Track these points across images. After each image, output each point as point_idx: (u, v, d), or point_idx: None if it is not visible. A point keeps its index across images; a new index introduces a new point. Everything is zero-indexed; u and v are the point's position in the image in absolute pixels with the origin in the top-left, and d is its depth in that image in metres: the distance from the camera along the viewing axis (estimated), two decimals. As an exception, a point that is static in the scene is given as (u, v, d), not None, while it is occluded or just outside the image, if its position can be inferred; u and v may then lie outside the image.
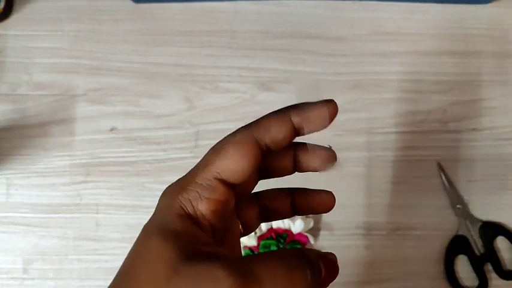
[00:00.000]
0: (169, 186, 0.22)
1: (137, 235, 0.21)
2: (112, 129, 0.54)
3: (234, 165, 0.21)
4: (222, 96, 0.55)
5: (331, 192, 0.26)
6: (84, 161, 0.54)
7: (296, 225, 0.50)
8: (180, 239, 0.19)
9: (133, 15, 0.56)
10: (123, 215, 0.53)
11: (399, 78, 0.55)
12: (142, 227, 0.21)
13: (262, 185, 0.27)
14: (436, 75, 0.56)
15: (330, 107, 0.22)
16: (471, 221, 0.52)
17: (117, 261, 0.53)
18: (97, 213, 0.53)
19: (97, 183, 0.53)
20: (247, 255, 0.19)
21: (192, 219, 0.21)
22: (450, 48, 0.56)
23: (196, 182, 0.21)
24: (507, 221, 0.53)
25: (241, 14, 0.57)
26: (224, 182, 0.21)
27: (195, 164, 0.23)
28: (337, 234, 0.53)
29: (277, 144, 0.23)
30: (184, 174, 0.23)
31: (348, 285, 0.52)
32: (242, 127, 0.22)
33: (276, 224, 0.51)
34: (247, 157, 0.22)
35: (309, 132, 0.23)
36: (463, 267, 0.52)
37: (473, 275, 0.51)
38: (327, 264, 0.20)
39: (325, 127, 0.23)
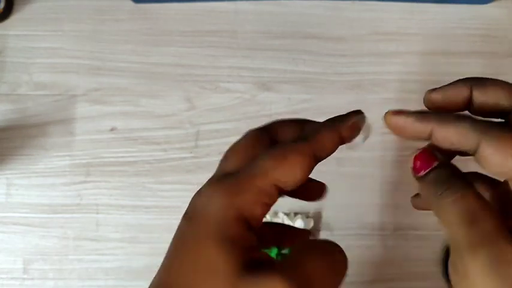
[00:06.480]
0: (218, 182, 0.21)
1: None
2: (112, 129, 0.54)
3: (293, 176, 0.21)
4: (222, 96, 0.55)
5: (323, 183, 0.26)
6: (84, 161, 0.54)
7: (296, 225, 0.50)
8: (236, 246, 0.19)
9: (134, 15, 0.56)
10: (123, 215, 0.52)
11: (399, 78, 0.55)
12: (183, 216, 0.21)
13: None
14: (436, 75, 0.55)
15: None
16: (471, 221, 0.52)
17: (117, 261, 0.53)
18: (97, 213, 0.53)
19: (97, 183, 0.53)
20: (291, 256, 0.20)
21: (247, 223, 0.20)
22: (450, 48, 0.56)
23: (258, 186, 0.20)
24: (507, 221, 0.53)
25: (242, 14, 0.57)
26: (280, 190, 0.21)
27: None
28: (337, 234, 0.53)
29: (327, 156, 0.23)
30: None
31: (348, 285, 0.52)
32: (300, 139, 0.22)
33: (276, 224, 0.51)
34: (306, 170, 0.21)
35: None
36: (463, 267, 0.52)
37: (474, 275, 0.51)
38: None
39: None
